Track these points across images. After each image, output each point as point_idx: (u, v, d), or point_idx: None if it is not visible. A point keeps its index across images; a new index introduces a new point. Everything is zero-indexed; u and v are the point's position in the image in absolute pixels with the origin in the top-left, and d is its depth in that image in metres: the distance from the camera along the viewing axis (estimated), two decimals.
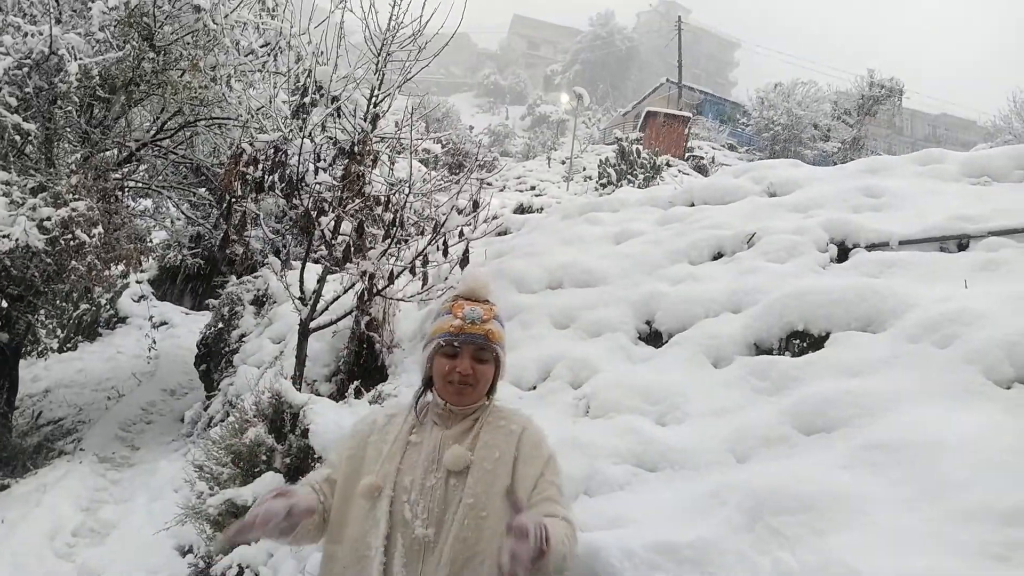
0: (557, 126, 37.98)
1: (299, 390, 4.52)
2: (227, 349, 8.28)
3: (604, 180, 17.54)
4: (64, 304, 11.48)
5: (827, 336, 3.56)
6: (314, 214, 4.60)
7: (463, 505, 1.71)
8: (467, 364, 1.83)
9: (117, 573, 4.77)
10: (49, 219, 6.95)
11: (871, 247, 4.31)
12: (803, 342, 3.63)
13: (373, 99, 5.02)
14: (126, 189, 9.90)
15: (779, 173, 6.08)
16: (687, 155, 22.85)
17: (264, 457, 3.82)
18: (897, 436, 2.46)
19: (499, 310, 1.99)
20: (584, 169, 21.59)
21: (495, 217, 6.29)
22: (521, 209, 14.28)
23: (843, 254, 4.40)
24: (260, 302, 8.58)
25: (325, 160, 4.69)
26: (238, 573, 3.48)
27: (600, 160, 19.21)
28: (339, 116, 4.79)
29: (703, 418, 3.37)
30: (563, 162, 22.39)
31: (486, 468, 1.77)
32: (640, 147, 18.68)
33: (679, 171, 19.69)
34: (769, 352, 3.72)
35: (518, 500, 1.59)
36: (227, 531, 1.63)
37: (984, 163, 5.23)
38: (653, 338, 4.40)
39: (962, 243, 4.08)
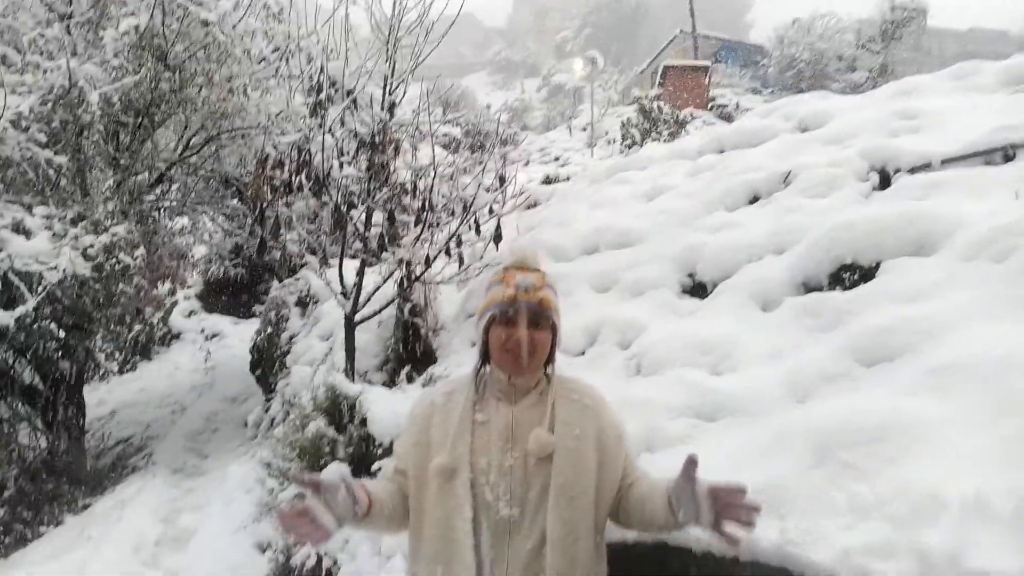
0: (574, 94, 37.53)
1: (352, 381, 4.60)
2: (279, 352, 8.45)
3: (628, 141, 17.30)
4: (118, 328, 11.81)
5: (877, 266, 3.46)
6: (344, 208, 4.63)
7: (554, 486, 1.70)
8: (524, 332, 1.80)
9: (201, 574, 4.95)
10: (92, 246, 7.14)
11: (913, 170, 4.17)
12: (853, 275, 3.54)
13: (387, 88, 5.02)
14: (162, 209, 10.13)
15: (808, 107, 5.91)
16: (710, 105, 22.39)
17: (327, 449, 3.90)
18: (962, 356, 2.38)
19: (551, 278, 1.94)
20: (607, 133, 21.35)
21: (522, 192, 6.26)
22: (547, 181, 14.19)
23: (885, 181, 4.27)
24: (304, 303, 8.72)
25: (348, 154, 4.71)
26: (316, 562, 3.58)
27: (622, 122, 18.93)
28: (356, 109, 4.80)
29: (758, 363, 3.32)
30: (584, 129, 22.16)
31: (570, 447, 1.75)
32: (661, 103, 18.35)
33: (704, 122, 19.32)
34: (819, 289, 3.64)
35: (694, 462, 1.60)
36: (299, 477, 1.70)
37: (1022, 69, 5.00)
38: (697, 290, 4.35)
39: (1008, 154, 3.92)
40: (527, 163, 19.29)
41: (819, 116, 5.63)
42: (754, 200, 4.84)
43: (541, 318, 1.82)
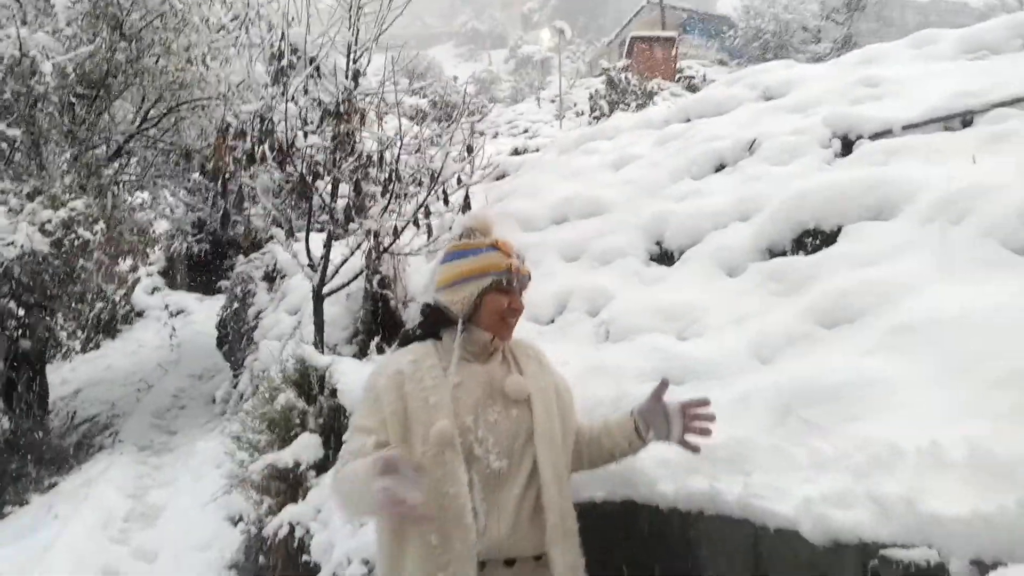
0: (542, 65, 37.25)
1: (321, 354, 4.57)
2: (246, 327, 8.38)
3: (596, 113, 17.29)
4: (80, 305, 11.59)
5: (839, 231, 3.51)
6: (309, 178, 4.57)
7: (537, 431, 1.80)
8: (520, 301, 1.91)
9: (172, 550, 4.94)
10: (50, 221, 6.96)
11: (875, 136, 4.23)
12: (816, 240, 3.60)
13: (351, 55, 4.93)
14: (121, 184, 9.88)
15: (773, 76, 5.94)
16: (677, 76, 22.40)
17: (297, 420, 3.89)
18: (920, 317, 2.45)
19: None
20: (575, 105, 21.28)
21: (490, 163, 6.23)
22: (516, 153, 14.13)
23: (847, 147, 4.33)
24: (271, 277, 8.64)
25: (312, 123, 4.64)
26: (289, 531, 3.58)
27: (590, 93, 18.89)
28: (320, 77, 4.71)
29: (723, 328, 3.37)
30: (553, 101, 22.06)
31: (542, 392, 1.87)
32: (629, 74, 18.33)
33: (671, 93, 19.33)
34: (783, 255, 3.69)
35: (666, 384, 1.92)
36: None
37: (980, 37, 5.08)
38: (665, 258, 4.39)
39: (966, 120, 3.99)
40: (496, 135, 19.16)
41: (784, 85, 5.67)
42: (720, 168, 4.88)
43: (524, 289, 1.95)
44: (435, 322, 1.94)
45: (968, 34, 5.31)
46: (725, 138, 5.05)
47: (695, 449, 1.93)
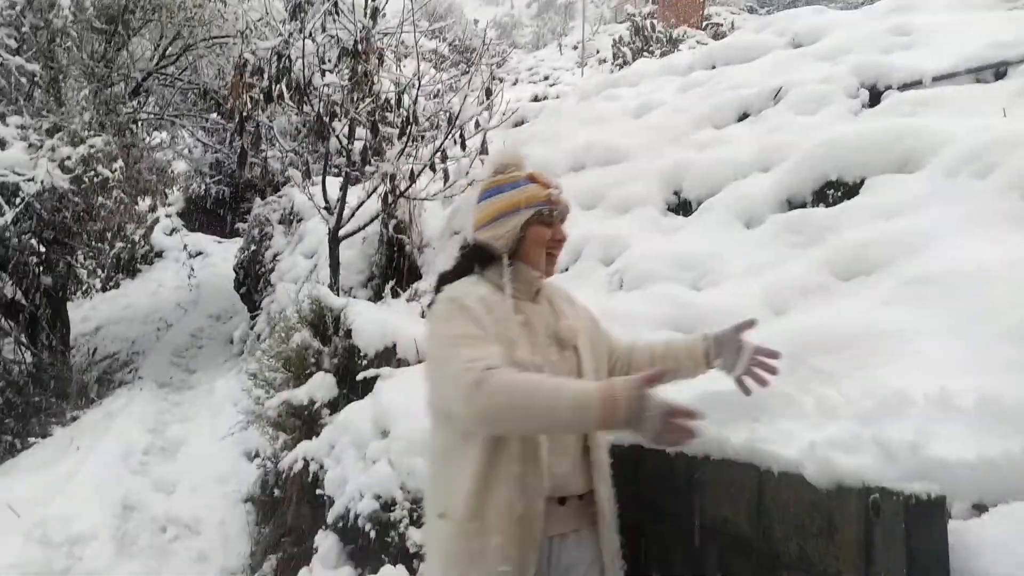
0: (565, 9, 36.31)
1: (337, 296, 4.61)
2: (263, 270, 8.45)
3: (620, 61, 16.88)
4: (100, 244, 11.74)
5: (862, 183, 3.46)
6: (326, 119, 4.53)
7: (586, 369, 1.81)
8: (562, 231, 1.85)
9: (191, 482, 5.09)
10: (69, 158, 6.98)
11: (904, 87, 4.12)
12: (837, 191, 3.54)
13: None
14: (139, 122, 9.87)
15: (803, 22, 5.77)
16: (704, 24, 21.77)
17: (313, 360, 3.95)
18: (939, 269, 2.42)
19: None
20: (598, 52, 20.80)
21: (510, 109, 6.14)
22: (536, 100, 13.92)
23: (875, 98, 4.23)
24: (288, 220, 8.66)
25: (330, 62, 4.57)
26: (304, 466, 3.67)
27: (614, 40, 18.42)
28: (338, 14, 4.63)
29: (738, 279, 3.35)
30: (575, 47, 21.59)
31: (585, 336, 1.87)
32: (654, 21, 17.83)
33: (697, 42, 18.82)
34: (803, 206, 3.65)
35: (752, 323, 1.95)
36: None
37: None
38: (683, 207, 4.35)
39: (999, 71, 3.87)
40: (516, 82, 18.84)
41: (813, 32, 5.51)
42: (743, 117, 4.79)
43: (564, 220, 1.89)
44: (476, 262, 1.85)
45: None
46: (751, 86, 4.94)
47: (747, 391, 1.94)
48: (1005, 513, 1.14)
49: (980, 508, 1.26)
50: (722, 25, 21.59)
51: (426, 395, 1.78)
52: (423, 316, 4.55)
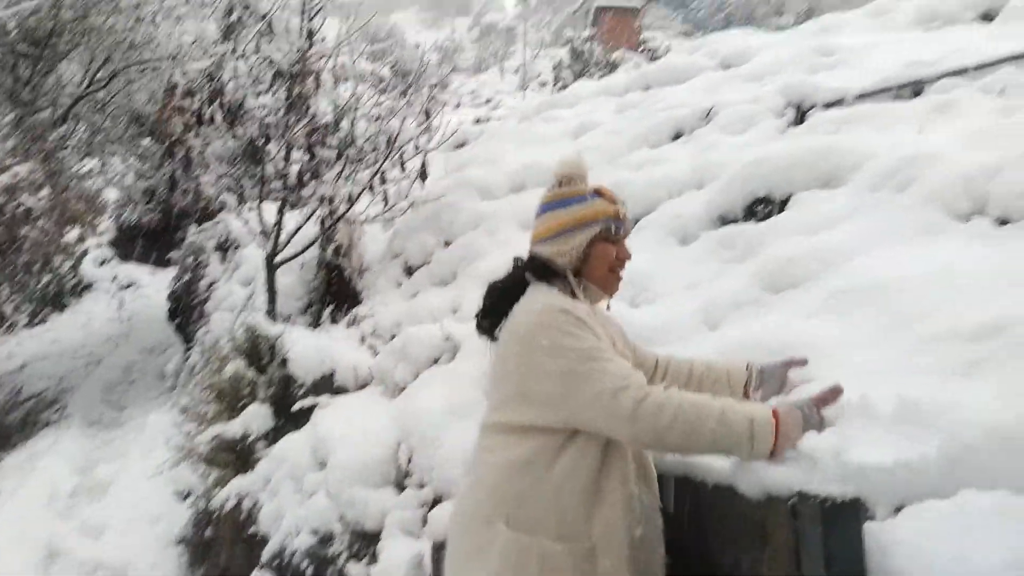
0: (506, 34, 36.84)
1: (274, 323, 4.49)
2: (198, 299, 8.20)
3: (560, 84, 17.15)
4: (26, 277, 11.25)
5: (789, 199, 3.55)
6: (260, 141, 4.44)
7: None
8: (627, 250, 1.80)
9: (120, 525, 4.85)
10: None
11: (828, 106, 4.26)
12: (766, 208, 3.62)
13: (306, 14, 4.78)
14: (69, 149, 9.54)
15: (732, 44, 5.96)
16: (641, 47, 22.34)
17: (247, 390, 3.83)
18: (861, 280, 2.48)
19: None
20: (539, 75, 21.13)
21: (451, 131, 6.15)
22: (478, 122, 14.00)
23: (801, 117, 4.36)
24: (224, 248, 8.45)
25: (264, 83, 4.49)
26: (237, 503, 3.54)
27: (554, 64, 18.74)
28: (272, 35, 4.56)
29: (674, 295, 3.39)
30: (516, 71, 21.85)
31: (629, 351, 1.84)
32: (593, 44, 18.22)
33: (635, 64, 19.29)
34: (734, 222, 3.72)
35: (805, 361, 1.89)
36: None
37: (935, 7, 5.15)
38: None
39: (916, 89, 4.04)
40: (458, 106, 18.94)
41: (742, 54, 5.69)
42: (677, 136, 4.89)
43: (627, 236, 1.83)
44: (534, 275, 1.75)
45: (924, 4, 5.38)
46: (684, 106, 5.06)
47: None
48: (916, 512, 1.15)
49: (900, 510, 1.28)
50: (658, 49, 22.22)
51: (500, 401, 1.67)
52: (363, 342, 4.46)
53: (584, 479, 1.56)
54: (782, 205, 3.55)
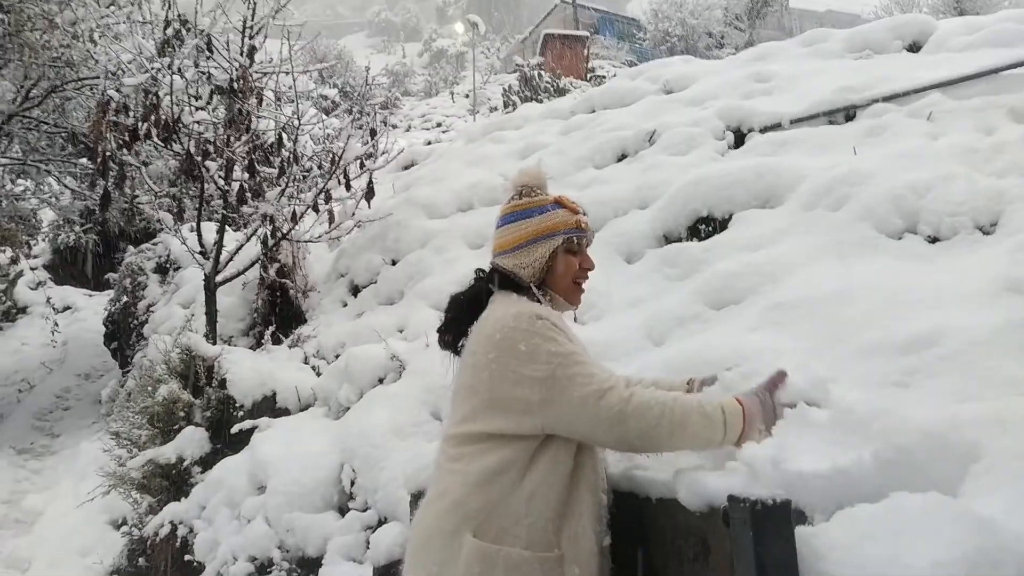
0: (456, 59, 37.11)
1: (213, 344, 4.35)
2: (136, 322, 7.92)
3: (510, 109, 17.31)
4: None
5: (730, 218, 3.63)
6: (199, 157, 4.33)
7: None
8: (590, 260, 1.77)
9: (48, 557, 4.60)
10: None
11: (765, 129, 4.39)
12: (708, 226, 3.69)
13: (247, 31, 4.71)
14: (1, 168, 9.16)
15: (674, 70, 6.10)
16: (588, 75, 22.73)
17: (183, 413, 3.69)
18: (797, 295, 2.54)
19: None
20: (489, 100, 21.28)
21: (397, 150, 6.12)
22: (428, 144, 14.00)
23: (740, 140, 4.48)
24: (163, 269, 8.20)
25: (201, 99, 4.40)
26: (171, 530, 3.38)
27: (504, 89, 18.92)
28: (211, 51, 4.48)
29: (620, 312, 3.42)
30: (467, 96, 21.98)
31: None
32: (542, 71, 18.46)
33: (582, 92, 19.60)
34: (678, 241, 3.78)
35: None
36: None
37: (865, 37, 5.37)
38: None
39: (849, 114, 4.19)
40: (409, 129, 18.93)
41: (683, 79, 5.82)
42: (622, 157, 4.96)
43: (590, 246, 1.81)
44: (496, 287, 1.73)
45: (854, 34, 5.60)
46: (627, 128, 5.14)
47: None
48: (849, 515, 1.16)
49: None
50: (605, 77, 22.63)
51: (470, 412, 1.62)
52: (306, 362, 4.36)
53: (557, 489, 1.55)
54: (723, 224, 3.62)
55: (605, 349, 3.08)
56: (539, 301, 1.70)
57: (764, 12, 25.41)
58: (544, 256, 1.70)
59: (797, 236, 3.07)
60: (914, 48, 5.27)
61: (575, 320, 1.80)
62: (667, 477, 1.71)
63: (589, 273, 1.79)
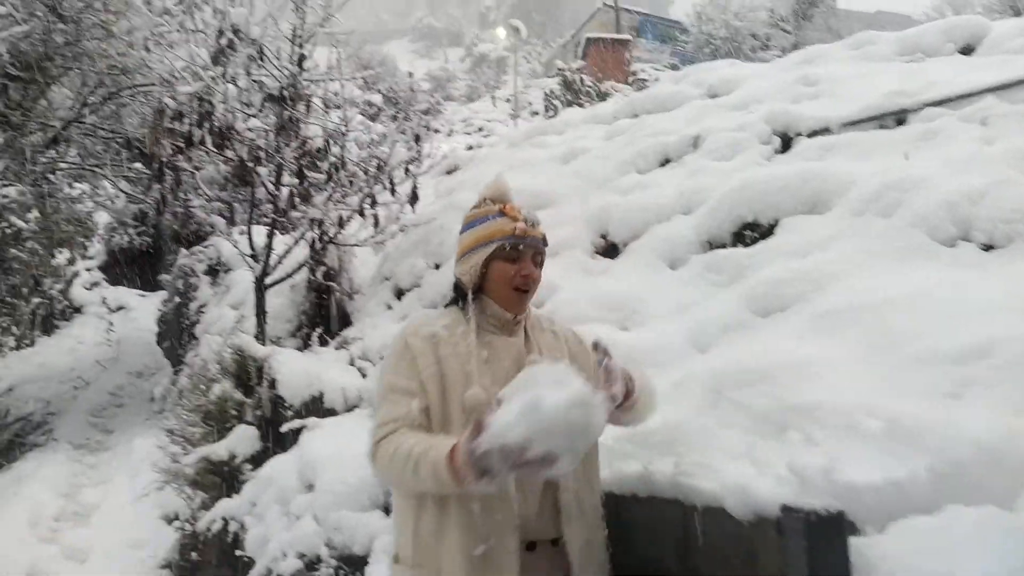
0: (498, 64, 37.31)
1: (262, 345, 4.47)
2: (188, 323, 8.16)
3: (551, 113, 17.32)
4: (15, 300, 11.15)
5: (776, 223, 3.59)
6: (251, 164, 4.46)
7: None
8: (531, 267, 1.77)
9: (104, 549, 4.77)
10: None
11: (812, 134, 4.33)
12: (754, 232, 3.66)
13: (297, 40, 4.84)
14: (59, 172, 9.51)
15: (718, 74, 6.05)
16: (631, 79, 22.62)
17: (234, 412, 3.80)
18: (847, 302, 2.51)
19: None
20: (530, 104, 21.34)
21: (442, 155, 6.19)
22: (470, 149, 14.10)
23: (786, 144, 4.43)
24: (214, 271, 8.43)
25: (254, 106, 4.53)
26: (223, 526, 3.49)
27: (545, 93, 18.94)
28: (263, 60, 4.60)
29: (664, 318, 3.41)
30: (508, 100, 22.08)
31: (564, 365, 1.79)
32: (584, 76, 18.43)
33: (624, 96, 19.51)
34: (722, 247, 3.75)
35: (605, 349, 1.81)
36: None
37: (916, 40, 5.26)
38: (609, 250, 4.42)
39: (900, 118, 4.11)
40: (450, 133, 19.08)
41: (727, 83, 5.78)
42: (665, 162, 4.94)
43: (540, 255, 1.82)
44: (456, 294, 1.83)
45: (904, 37, 5.49)
46: (671, 133, 5.12)
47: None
48: (903, 528, 1.16)
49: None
50: (647, 81, 22.48)
51: None
52: (352, 364, 4.44)
53: (432, 504, 1.63)
54: (770, 230, 3.58)
55: (649, 356, 3.08)
56: (465, 311, 1.77)
57: (810, 13, 24.95)
58: (478, 264, 1.75)
59: (846, 242, 3.02)
60: (967, 50, 5.14)
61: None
62: (715, 486, 1.71)
63: (531, 280, 1.77)
